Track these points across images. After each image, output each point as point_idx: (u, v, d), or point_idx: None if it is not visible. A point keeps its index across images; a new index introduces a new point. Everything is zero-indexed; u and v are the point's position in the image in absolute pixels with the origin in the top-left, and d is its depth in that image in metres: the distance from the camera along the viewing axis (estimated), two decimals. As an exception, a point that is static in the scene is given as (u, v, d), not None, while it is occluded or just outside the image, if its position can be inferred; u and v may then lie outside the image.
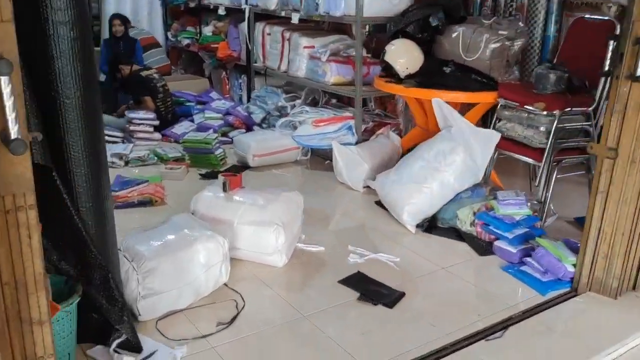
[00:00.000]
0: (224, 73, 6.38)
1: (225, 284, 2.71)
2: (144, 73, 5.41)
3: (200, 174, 4.32)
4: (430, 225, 3.45)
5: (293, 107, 5.09)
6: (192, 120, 5.37)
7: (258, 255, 2.89)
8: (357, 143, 4.31)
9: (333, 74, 4.53)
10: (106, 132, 4.79)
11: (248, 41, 5.55)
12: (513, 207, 3.15)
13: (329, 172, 4.32)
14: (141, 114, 4.88)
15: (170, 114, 5.39)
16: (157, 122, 4.93)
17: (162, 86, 5.40)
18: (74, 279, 2.14)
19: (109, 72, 5.77)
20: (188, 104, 5.81)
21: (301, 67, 4.84)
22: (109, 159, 4.42)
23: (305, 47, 4.79)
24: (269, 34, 5.27)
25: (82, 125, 2.06)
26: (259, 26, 5.41)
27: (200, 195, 3.04)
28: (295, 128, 4.70)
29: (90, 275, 2.16)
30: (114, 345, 2.21)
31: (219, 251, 2.59)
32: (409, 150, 4.01)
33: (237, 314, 2.52)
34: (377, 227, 3.49)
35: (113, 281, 2.19)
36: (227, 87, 6.28)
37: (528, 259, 2.95)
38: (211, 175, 4.27)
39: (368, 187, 3.97)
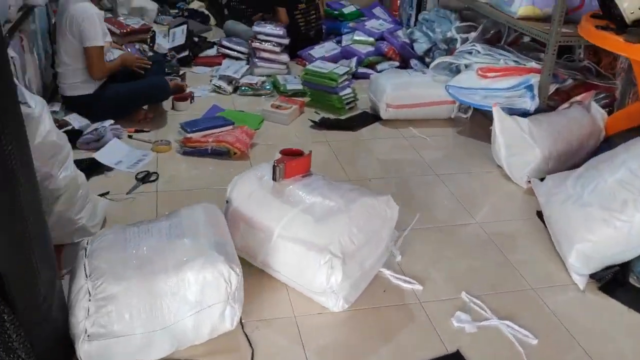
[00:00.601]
0: (396, -17, 5.09)
1: (241, 321, 1.77)
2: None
3: (312, 121, 3.30)
4: (614, 279, 2.09)
5: (466, 41, 3.74)
6: (340, 42, 4.31)
7: (303, 289, 1.88)
8: (536, 111, 2.92)
9: (523, 2, 3.08)
10: (230, 45, 3.99)
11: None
12: None
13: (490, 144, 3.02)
14: (268, 28, 3.88)
15: (313, 30, 4.36)
16: (286, 41, 3.91)
17: (307, -9, 4.34)
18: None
19: None
20: (343, 19, 4.71)
21: (486, -14, 3.43)
22: (215, 82, 3.62)
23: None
24: None
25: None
26: None
27: (243, 177, 2.04)
28: (458, 72, 3.41)
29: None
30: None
31: (221, 289, 1.62)
32: (619, 137, 2.58)
33: (228, 393, 1.58)
34: (524, 261, 2.21)
35: (12, 325, 1.37)
36: (398, 2, 5.00)
37: None
38: (326, 125, 3.24)
39: (535, 183, 2.64)
